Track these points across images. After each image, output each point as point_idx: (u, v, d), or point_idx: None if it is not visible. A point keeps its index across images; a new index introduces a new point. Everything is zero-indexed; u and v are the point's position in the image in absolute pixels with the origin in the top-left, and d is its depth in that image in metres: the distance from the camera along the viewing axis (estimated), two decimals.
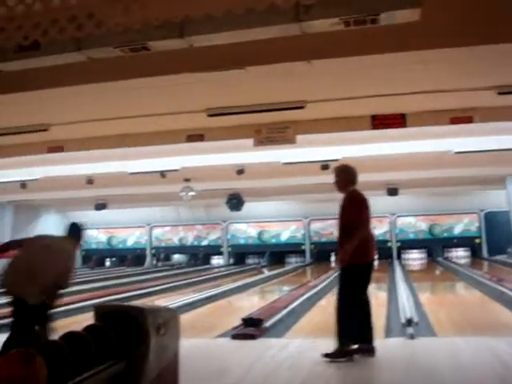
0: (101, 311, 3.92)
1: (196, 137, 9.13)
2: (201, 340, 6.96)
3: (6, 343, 5.40)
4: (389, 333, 7.65)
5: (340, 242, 5.76)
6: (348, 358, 5.53)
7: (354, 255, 5.66)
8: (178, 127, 9.05)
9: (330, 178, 13.22)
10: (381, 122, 8.71)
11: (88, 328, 3.55)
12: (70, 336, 3.30)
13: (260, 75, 6.61)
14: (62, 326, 8.70)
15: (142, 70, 6.50)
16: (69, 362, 3.05)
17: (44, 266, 5.60)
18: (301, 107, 7.81)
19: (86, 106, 7.99)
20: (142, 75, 6.60)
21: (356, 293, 5.71)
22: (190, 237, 27.68)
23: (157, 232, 27.76)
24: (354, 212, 5.76)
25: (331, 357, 5.52)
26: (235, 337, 7.11)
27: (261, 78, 6.77)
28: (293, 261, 26.52)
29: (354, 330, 5.64)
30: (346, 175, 6.04)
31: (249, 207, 21.72)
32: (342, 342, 5.58)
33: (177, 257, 28.79)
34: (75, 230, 6.44)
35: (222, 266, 25.81)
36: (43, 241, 6.07)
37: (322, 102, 7.93)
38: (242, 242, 26.94)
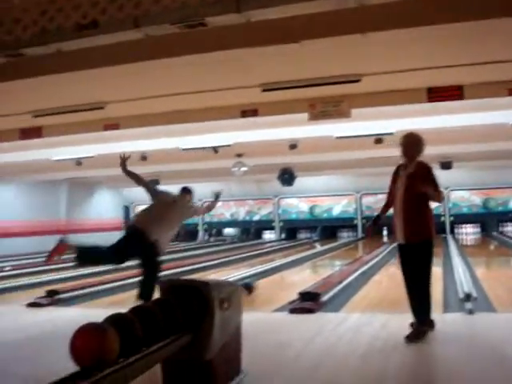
0: (166, 285, 4.00)
1: (250, 112, 9.13)
2: (259, 314, 7.01)
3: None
4: (446, 308, 7.57)
5: (407, 215, 5.54)
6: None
7: (430, 230, 5.61)
8: (233, 103, 9.06)
9: (383, 151, 13.22)
10: (437, 94, 8.56)
11: (155, 302, 3.63)
12: (139, 309, 3.38)
13: (315, 49, 6.56)
14: (117, 301, 8.99)
15: (198, 46, 6.52)
16: (139, 334, 3.13)
17: (170, 217, 7.01)
18: (356, 81, 7.73)
19: (142, 83, 8.07)
20: (197, 51, 6.62)
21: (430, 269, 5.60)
22: (241, 212, 27.84)
23: None
24: (432, 183, 5.48)
25: (417, 338, 5.34)
26: (293, 311, 7.16)
27: (316, 51, 6.71)
28: (345, 235, 26.46)
29: (430, 307, 5.62)
30: (420, 143, 5.74)
31: (300, 182, 21.68)
32: (425, 321, 5.51)
33: (227, 231, 29.01)
34: (188, 192, 7.59)
35: (273, 241, 25.89)
36: (172, 197, 7.37)
37: (377, 74, 7.82)
38: (293, 216, 26.96)
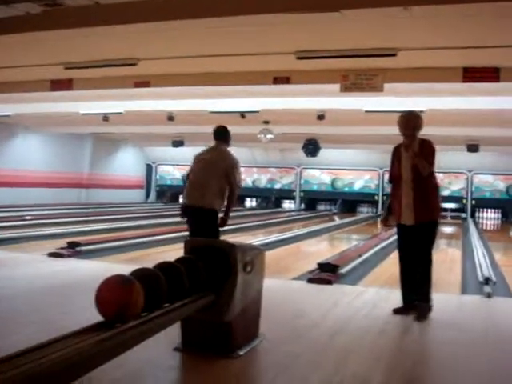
0: (190, 245, 4.02)
1: (282, 79, 9.06)
2: (277, 281, 7.03)
3: None
4: (465, 290, 7.56)
5: (418, 196, 5.50)
6: None
7: (438, 210, 5.69)
8: (266, 69, 8.99)
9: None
10: (473, 74, 8.43)
11: (180, 260, 3.65)
12: (165, 265, 3.41)
13: (354, 19, 6.46)
14: (136, 257, 9.08)
15: (234, 8, 6.46)
16: (163, 289, 3.15)
17: (206, 178, 6.42)
18: (392, 54, 7.62)
19: (175, 43, 8.02)
20: (233, 13, 6.55)
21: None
22: (263, 179, 27.82)
23: None
24: (433, 163, 5.54)
25: (426, 316, 5.37)
26: (311, 281, 7.18)
27: (355, 22, 6.61)
28: (364, 210, 26.39)
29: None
30: (419, 121, 5.65)
31: (324, 154, 21.60)
32: (430, 298, 5.50)
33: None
34: (223, 133, 7.02)
35: (292, 211, 25.91)
36: (201, 157, 6.72)
37: (413, 50, 7.71)
38: (314, 188, 26.88)
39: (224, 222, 6.58)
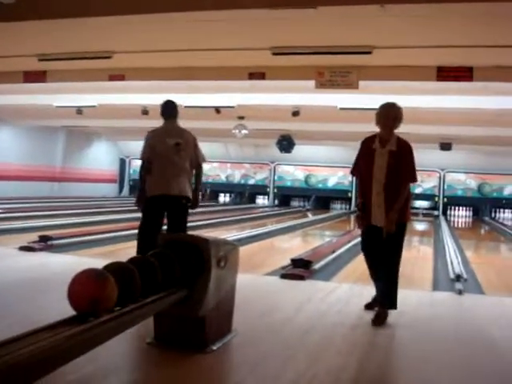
0: (164, 239, 4.00)
1: (258, 75, 9.05)
2: (250, 276, 7.03)
3: None
4: (436, 287, 7.63)
5: (391, 197, 5.13)
6: None
7: (409, 212, 5.41)
8: (241, 64, 8.98)
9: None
10: (447, 73, 8.51)
11: (154, 254, 3.63)
12: (138, 260, 3.39)
13: (330, 16, 6.48)
14: (108, 252, 9.02)
15: (209, 3, 6.43)
16: (137, 284, 3.14)
17: (181, 164, 6.31)
18: (368, 52, 7.67)
19: (151, 36, 7.96)
20: (208, 8, 6.53)
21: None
22: (237, 174, 27.81)
23: (204, 167, 27.86)
24: (412, 169, 5.20)
25: (383, 322, 5.09)
26: (284, 276, 7.20)
27: (330, 19, 6.63)
28: (338, 207, 26.53)
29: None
30: (400, 116, 5.28)
31: (298, 150, 21.65)
32: (395, 304, 5.25)
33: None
34: (175, 108, 6.97)
35: (266, 207, 25.95)
36: (166, 141, 6.47)
37: (389, 48, 7.77)
38: (288, 184, 26.93)
39: (196, 203, 6.41)
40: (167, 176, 6.22)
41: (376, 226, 5.23)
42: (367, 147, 5.29)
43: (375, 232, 5.23)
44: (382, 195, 5.15)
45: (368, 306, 5.54)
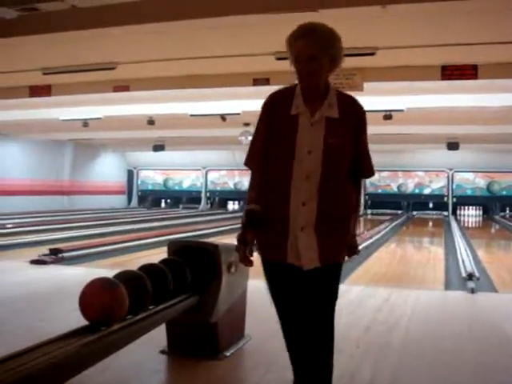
0: (174, 246, 3.99)
1: (262, 80, 9.07)
2: (261, 281, 6.98)
3: None
4: (448, 286, 7.60)
5: (327, 206, 2.65)
6: None
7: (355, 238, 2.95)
8: (245, 70, 9.01)
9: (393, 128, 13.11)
10: (451, 72, 8.51)
11: (164, 261, 3.63)
12: (149, 267, 3.38)
13: (333, 19, 6.45)
14: (120, 263, 9.02)
15: (212, 10, 6.46)
16: (148, 291, 3.13)
17: None
18: (371, 53, 7.68)
19: (154, 46, 8.02)
20: (211, 15, 6.55)
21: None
22: (245, 182, 27.78)
23: (212, 175, 27.95)
24: (365, 150, 2.81)
25: None
26: None
27: (333, 22, 6.54)
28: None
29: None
30: (341, 50, 2.69)
31: None
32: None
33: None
34: None
35: None
36: None
37: (392, 49, 7.79)
38: None
39: None
40: None
41: (292, 267, 2.68)
42: (279, 112, 2.71)
43: (297, 280, 2.70)
44: (315, 203, 2.63)
45: None
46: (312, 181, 2.62)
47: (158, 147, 22.42)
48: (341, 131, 2.66)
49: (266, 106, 2.76)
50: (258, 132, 2.78)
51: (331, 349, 2.80)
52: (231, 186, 27.67)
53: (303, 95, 2.69)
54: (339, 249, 2.76)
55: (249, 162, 2.81)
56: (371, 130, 2.76)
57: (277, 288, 2.81)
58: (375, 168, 2.87)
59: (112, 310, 2.79)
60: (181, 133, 17.60)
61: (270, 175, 2.71)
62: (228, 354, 3.98)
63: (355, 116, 2.72)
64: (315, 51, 2.60)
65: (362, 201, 25.47)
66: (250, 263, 2.73)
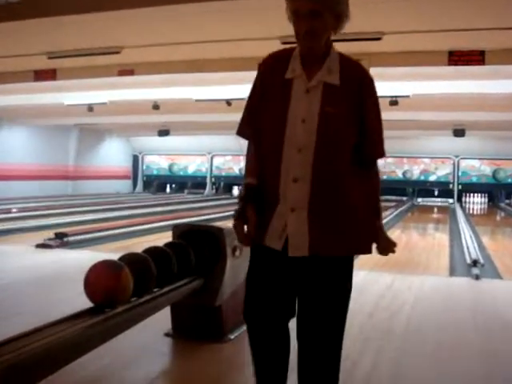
0: (179, 230, 3.99)
1: None
2: None
3: None
4: (453, 272, 7.60)
5: (322, 186, 2.29)
6: None
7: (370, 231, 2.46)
8: (251, 54, 8.92)
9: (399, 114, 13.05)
10: (458, 58, 8.45)
11: (169, 244, 3.63)
12: (154, 250, 3.39)
13: None
14: (125, 247, 9.04)
15: None
16: (152, 274, 3.14)
17: None
18: (378, 38, 7.63)
19: (159, 29, 7.97)
20: None
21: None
22: None
23: (217, 161, 27.93)
24: (380, 118, 2.46)
25: None
26: None
27: None
28: None
29: None
30: (347, 5, 2.35)
31: None
32: None
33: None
34: None
35: None
36: None
37: (399, 33, 7.73)
38: None
39: None
40: None
41: (275, 252, 2.36)
42: (273, 75, 2.43)
43: (282, 268, 2.39)
44: (308, 181, 2.29)
45: None
46: (305, 154, 2.27)
47: (163, 132, 22.37)
48: (340, 100, 2.30)
49: (259, 71, 2.49)
50: (250, 98, 2.49)
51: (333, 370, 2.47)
52: (236, 171, 27.59)
53: (301, 57, 2.36)
54: (343, 241, 2.31)
55: (241, 131, 2.50)
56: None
57: (253, 272, 2.49)
58: None
59: (116, 292, 2.79)
60: (186, 118, 17.54)
61: (262, 147, 2.40)
62: (232, 337, 3.99)
63: (359, 84, 2.33)
64: (318, 6, 2.22)
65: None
66: (249, 243, 2.43)
